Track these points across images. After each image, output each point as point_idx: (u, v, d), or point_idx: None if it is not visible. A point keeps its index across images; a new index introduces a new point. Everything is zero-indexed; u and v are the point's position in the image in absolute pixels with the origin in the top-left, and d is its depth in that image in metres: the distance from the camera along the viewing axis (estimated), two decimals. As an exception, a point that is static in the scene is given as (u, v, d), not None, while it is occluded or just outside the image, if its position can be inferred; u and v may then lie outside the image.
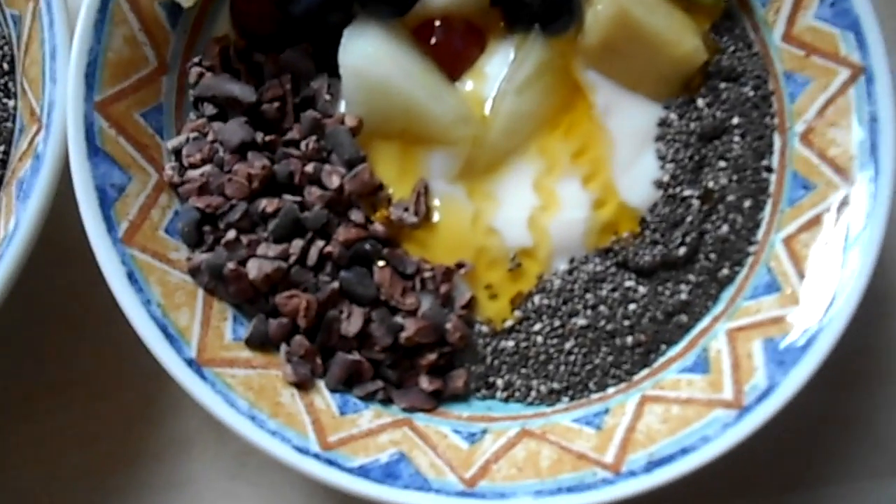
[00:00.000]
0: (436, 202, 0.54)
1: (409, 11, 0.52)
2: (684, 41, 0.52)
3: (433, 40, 0.53)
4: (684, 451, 0.46)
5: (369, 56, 0.50)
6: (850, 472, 0.58)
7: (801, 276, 0.50)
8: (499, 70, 0.54)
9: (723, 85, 0.54)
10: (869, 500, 0.58)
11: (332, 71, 0.53)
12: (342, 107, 0.54)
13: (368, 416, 0.50)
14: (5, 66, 0.54)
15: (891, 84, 0.50)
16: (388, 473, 0.45)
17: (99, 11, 0.48)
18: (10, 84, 0.54)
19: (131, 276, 0.47)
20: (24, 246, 0.47)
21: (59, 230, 0.50)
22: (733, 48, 0.55)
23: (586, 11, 0.52)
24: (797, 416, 0.52)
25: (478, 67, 0.54)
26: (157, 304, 0.48)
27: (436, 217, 0.54)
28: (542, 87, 0.53)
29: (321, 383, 0.51)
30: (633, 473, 0.46)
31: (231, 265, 0.49)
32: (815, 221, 0.51)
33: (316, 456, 0.46)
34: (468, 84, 0.54)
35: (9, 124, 0.54)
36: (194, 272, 0.51)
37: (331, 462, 0.46)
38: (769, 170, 0.54)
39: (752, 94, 0.54)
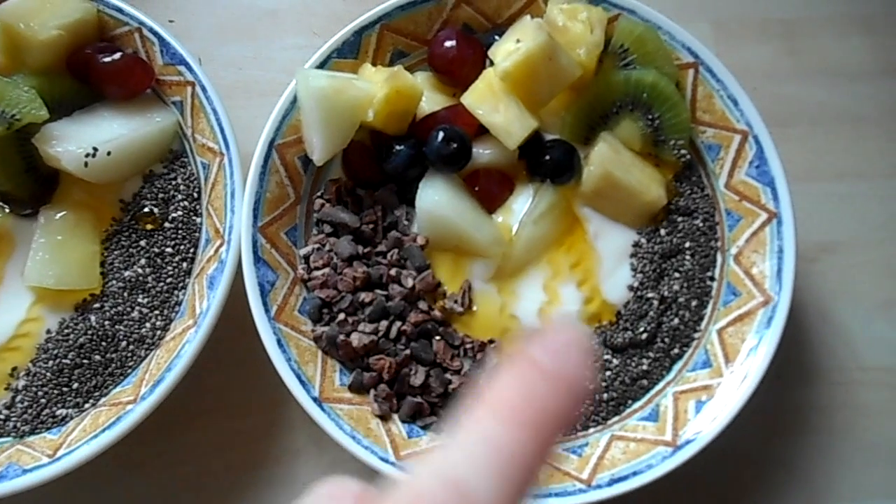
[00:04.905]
0: (476, 296, 0.61)
1: (462, 169, 0.61)
2: (651, 191, 0.62)
3: (477, 187, 0.62)
4: (635, 473, 0.55)
5: (435, 202, 0.60)
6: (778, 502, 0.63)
7: (726, 357, 0.59)
8: (522, 206, 0.62)
9: (680, 219, 0.63)
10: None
11: (410, 203, 0.61)
12: (416, 228, 0.62)
13: (426, 440, 0.58)
14: (195, 194, 0.65)
15: (793, 226, 0.59)
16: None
17: (262, 166, 0.60)
18: (198, 207, 0.65)
19: (279, 342, 0.57)
20: (212, 320, 0.58)
21: (233, 309, 0.59)
22: (689, 191, 0.64)
23: (584, 169, 0.62)
24: (736, 456, 0.62)
25: (507, 205, 0.63)
26: (294, 360, 0.57)
27: (475, 307, 0.61)
28: (552, 219, 0.62)
29: (396, 417, 0.59)
30: (599, 486, 0.55)
31: (341, 337, 0.58)
32: (739, 318, 0.60)
33: (392, 464, 0.54)
34: (500, 217, 0.62)
35: (196, 234, 0.64)
36: (317, 340, 0.59)
37: (402, 468, 0.54)
38: (712, 279, 0.63)
39: (701, 224, 0.63)
